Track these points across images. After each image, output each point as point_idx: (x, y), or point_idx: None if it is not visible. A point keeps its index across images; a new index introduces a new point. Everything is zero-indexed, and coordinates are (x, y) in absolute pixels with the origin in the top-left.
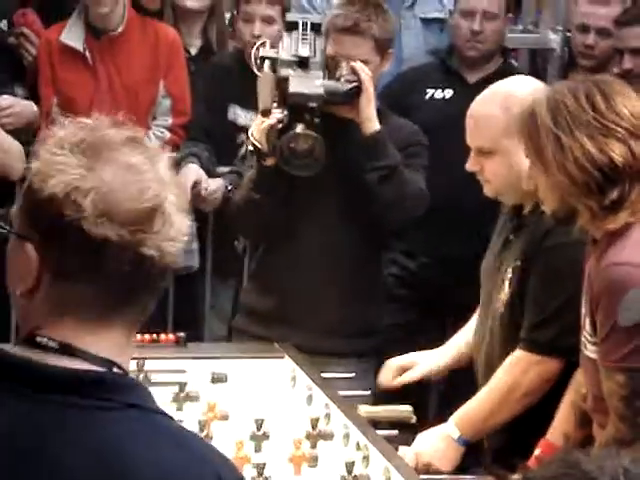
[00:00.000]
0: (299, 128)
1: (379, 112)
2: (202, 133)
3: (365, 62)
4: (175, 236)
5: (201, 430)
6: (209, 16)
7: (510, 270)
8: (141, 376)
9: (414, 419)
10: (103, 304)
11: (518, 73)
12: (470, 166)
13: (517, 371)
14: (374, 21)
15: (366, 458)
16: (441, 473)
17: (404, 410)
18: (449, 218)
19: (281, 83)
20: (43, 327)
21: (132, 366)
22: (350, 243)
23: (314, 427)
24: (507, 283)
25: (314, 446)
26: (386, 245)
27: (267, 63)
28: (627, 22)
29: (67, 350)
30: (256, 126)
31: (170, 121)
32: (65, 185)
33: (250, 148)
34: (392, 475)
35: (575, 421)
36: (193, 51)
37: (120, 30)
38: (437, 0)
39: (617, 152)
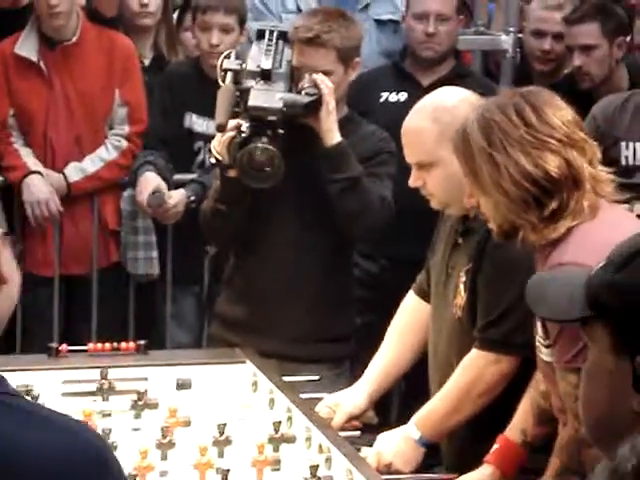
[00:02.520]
0: (258, 142)
1: (349, 118)
2: (158, 141)
3: (328, 72)
4: None
5: (163, 436)
6: (158, 26)
7: (463, 274)
8: (105, 384)
9: (376, 420)
10: None
11: (471, 75)
12: (412, 182)
13: (473, 371)
14: (336, 31)
15: (328, 460)
16: (402, 473)
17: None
18: (407, 220)
19: (244, 94)
20: None
21: (96, 375)
22: (317, 250)
23: (276, 431)
24: (462, 287)
25: (277, 450)
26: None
27: (230, 75)
28: (576, 20)
29: None
30: (217, 139)
31: (127, 129)
32: None
33: (212, 160)
34: (354, 476)
35: (534, 418)
36: (146, 62)
37: (74, 40)
38: (390, 2)
39: (552, 164)
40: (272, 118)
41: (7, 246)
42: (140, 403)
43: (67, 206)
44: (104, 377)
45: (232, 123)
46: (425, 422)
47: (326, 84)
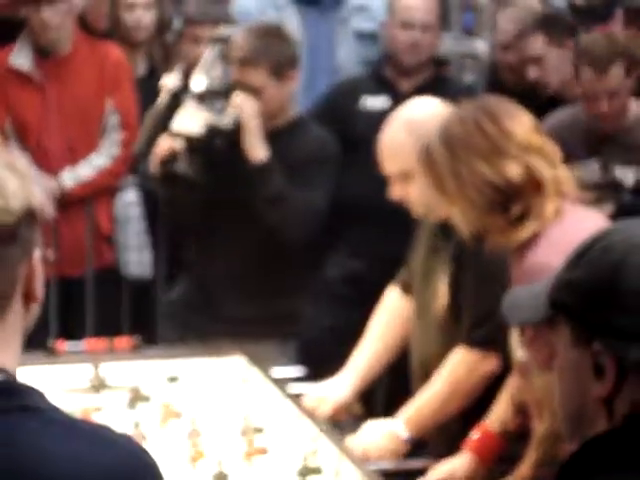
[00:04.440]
0: (179, 165)
1: (295, 123)
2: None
3: (260, 89)
4: None
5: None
6: (152, 40)
7: (444, 276)
8: (97, 380)
9: (361, 411)
10: None
11: (449, 81)
12: (394, 194)
13: (461, 370)
14: (265, 50)
15: (317, 450)
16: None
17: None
18: (391, 219)
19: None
20: None
21: (89, 370)
22: (258, 245)
23: (264, 423)
24: (444, 288)
25: (265, 440)
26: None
27: (165, 93)
28: (523, 34)
29: None
30: (153, 155)
31: (118, 137)
32: None
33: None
34: (342, 465)
35: (513, 409)
36: (139, 73)
37: (68, 51)
38: (369, 13)
39: (513, 171)
40: (193, 143)
41: (41, 265)
42: (135, 397)
43: (62, 210)
44: (96, 374)
45: (166, 141)
46: (414, 421)
47: (248, 106)
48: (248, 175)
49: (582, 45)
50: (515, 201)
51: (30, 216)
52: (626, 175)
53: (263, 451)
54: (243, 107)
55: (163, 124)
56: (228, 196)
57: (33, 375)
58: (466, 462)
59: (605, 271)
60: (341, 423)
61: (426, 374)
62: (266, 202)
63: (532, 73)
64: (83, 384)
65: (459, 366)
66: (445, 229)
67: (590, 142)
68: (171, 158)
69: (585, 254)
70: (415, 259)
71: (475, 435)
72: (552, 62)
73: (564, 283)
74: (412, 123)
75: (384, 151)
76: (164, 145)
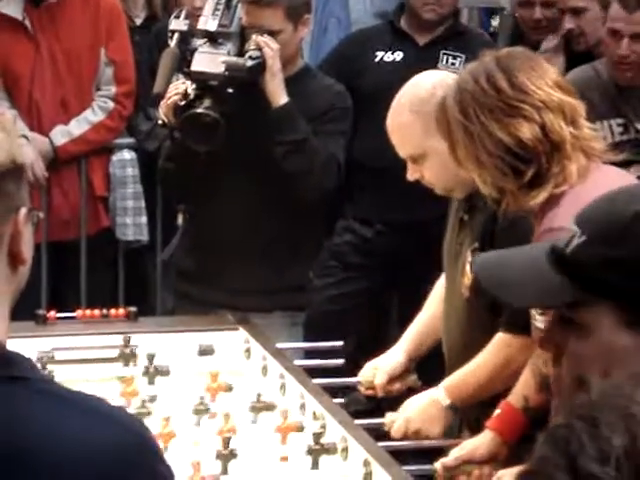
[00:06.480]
0: (200, 107)
1: (304, 72)
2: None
3: (276, 32)
4: None
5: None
6: None
7: (469, 253)
8: (127, 350)
9: (419, 384)
10: None
11: (468, 32)
12: (410, 176)
13: (506, 353)
14: None
15: (323, 427)
16: (431, 437)
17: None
18: (404, 184)
19: (191, 56)
20: None
21: (119, 341)
22: (267, 205)
23: (258, 399)
24: (468, 267)
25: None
26: (316, 208)
27: (176, 37)
28: None
29: None
30: (164, 101)
31: (113, 90)
32: None
33: (159, 122)
34: (350, 443)
35: (535, 385)
36: (138, 21)
37: None
38: None
39: (526, 132)
40: (214, 83)
41: (30, 225)
42: (151, 370)
43: (55, 171)
44: (126, 344)
45: (179, 86)
46: (455, 391)
47: (270, 46)
48: (267, 121)
49: None
50: (528, 164)
51: (15, 171)
52: None
53: (296, 427)
54: (265, 48)
55: (178, 67)
56: (241, 145)
57: (24, 345)
58: (487, 440)
59: None
60: (348, 400)
61: (457, 355)
62: (290, 146)
63: (569, 23)
64: (79, 356)
65: (506, 349)
66: (470, 202)
67: (611, 98)
68: (188, 101)
69: (628, 229)
70: (448, 233)
71: (497, 412)
72: (592, 15)
73: (610, 261)
74: (415, 104)
75: (392, 137)
76: (178, 88)
